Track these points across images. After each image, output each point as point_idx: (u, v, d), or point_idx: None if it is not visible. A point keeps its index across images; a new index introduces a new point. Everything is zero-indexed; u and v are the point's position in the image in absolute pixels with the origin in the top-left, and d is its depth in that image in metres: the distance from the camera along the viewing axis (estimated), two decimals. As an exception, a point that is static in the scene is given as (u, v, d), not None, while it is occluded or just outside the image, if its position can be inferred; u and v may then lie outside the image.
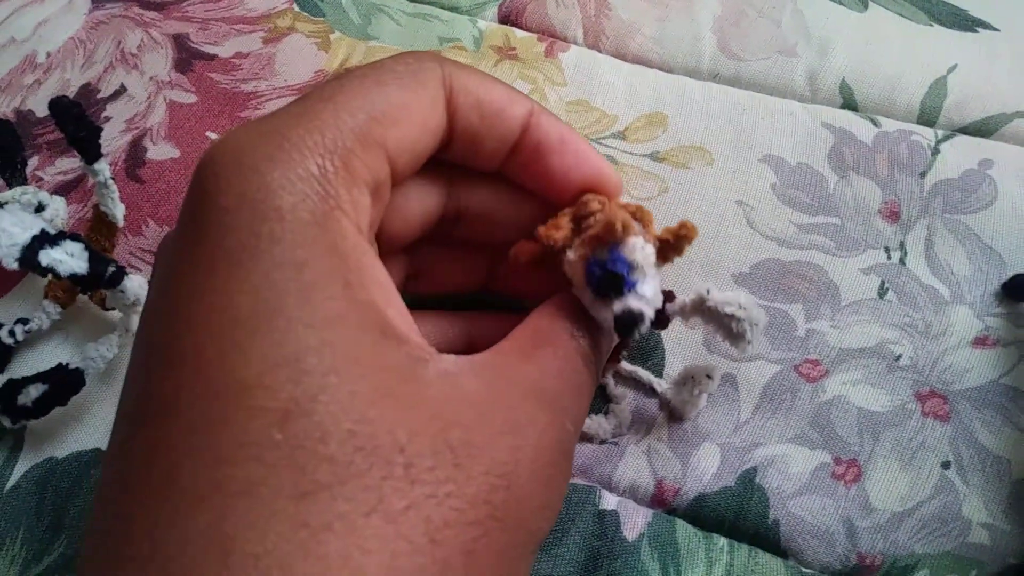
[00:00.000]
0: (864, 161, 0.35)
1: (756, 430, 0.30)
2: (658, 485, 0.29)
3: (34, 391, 0.29)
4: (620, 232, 0.23)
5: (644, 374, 0.31)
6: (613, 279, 0.23)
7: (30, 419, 0.29)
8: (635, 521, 0.28)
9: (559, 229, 0.24)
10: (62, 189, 0.35)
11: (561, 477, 0.22)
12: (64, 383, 0.29)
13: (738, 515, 0.28)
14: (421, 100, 0.22)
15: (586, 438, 0.30)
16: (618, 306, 0.23)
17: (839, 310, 0.32)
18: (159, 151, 0.36)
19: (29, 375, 0.29)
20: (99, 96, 0.38)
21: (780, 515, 0.28)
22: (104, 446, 0.30)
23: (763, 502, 0.28)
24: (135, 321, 0.30)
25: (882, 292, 0.32)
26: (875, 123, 0.35)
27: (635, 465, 0.29)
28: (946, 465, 0.29)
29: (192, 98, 0.38)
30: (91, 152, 0.30)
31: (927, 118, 0.36)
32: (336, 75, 0.25)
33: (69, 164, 0.36)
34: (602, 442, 0.30)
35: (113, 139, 0.37)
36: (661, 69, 0.38)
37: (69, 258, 0.28)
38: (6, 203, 0.31)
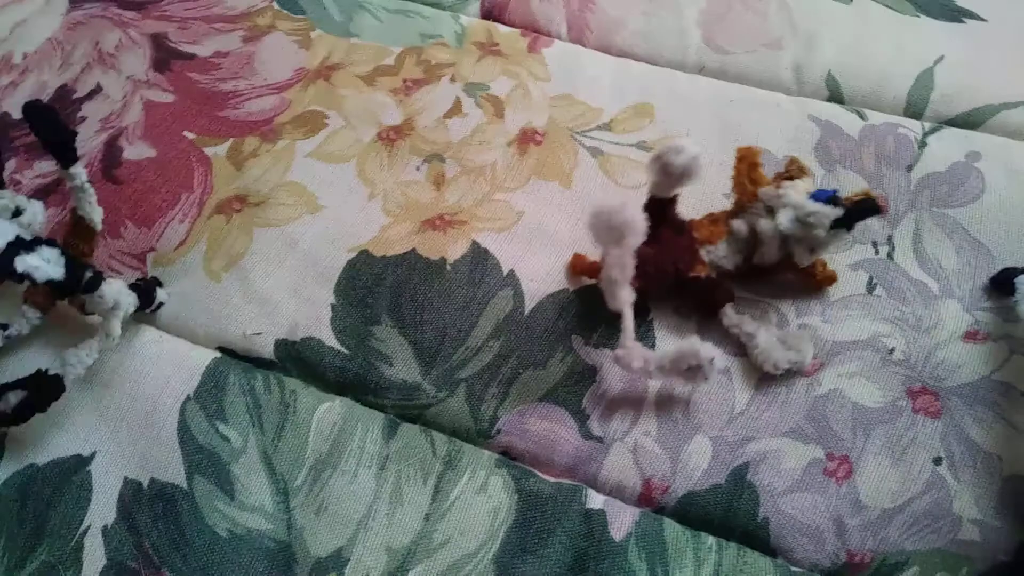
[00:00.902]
0: (850, 155, 0.34)
1: (750, 423, 0.29)
2: (645, 484, 0.29)
3: (13, 398, 0.28)
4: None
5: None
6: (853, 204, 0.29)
7: (10, 425, 0.29)
8: (622, 520, 0.28)
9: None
10: (40, 193, 0.35)
11: None
12: (43, 389, 0.29)
13: (727, 512, 0.28)
14: None
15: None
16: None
17: (829, 305, 0.31)
18: (135, 151, 0.36)
19: (9, 381, 0.29)
20: (75, 96, 0.38)
21: (770, 512, 0.28)
22: (85, 452, 0.30)
23: (753, 499, 0.28)
24: (115, 326, 0.30)
25: (871, 288, 0.32)
26: (862, 116, 0.35)
27: (621, 464, 0.29)
28: (937, 461, 0.28)
29: (170, 97, 0.37)
30: (67, 156, 0.30)
31: (914, 110, 0.36)
32: None
33: (47, 167, 0.36)
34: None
35: (89, 139, 0.36)
36: (647, 63, 0.38)
37: (45, 264, 0.27)
38: (-17, 208, 0.31)
